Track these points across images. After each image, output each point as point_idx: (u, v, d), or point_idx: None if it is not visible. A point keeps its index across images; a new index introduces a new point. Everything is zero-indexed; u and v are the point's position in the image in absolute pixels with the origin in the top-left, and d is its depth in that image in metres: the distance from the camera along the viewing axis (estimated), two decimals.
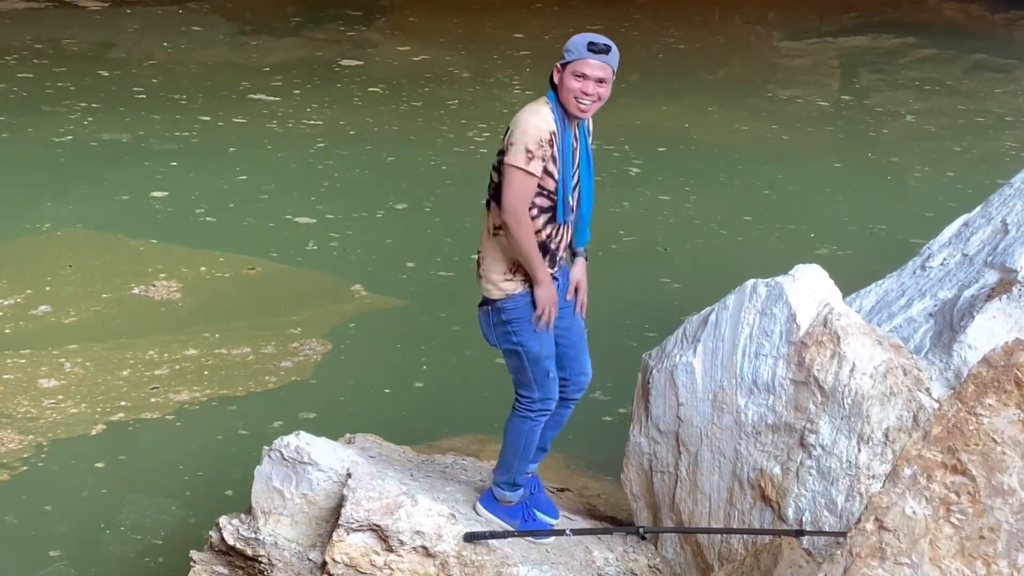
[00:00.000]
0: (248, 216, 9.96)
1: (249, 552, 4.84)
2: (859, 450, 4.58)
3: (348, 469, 4.82)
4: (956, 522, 3.21)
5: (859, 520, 3.32)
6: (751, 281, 4.91)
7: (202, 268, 8.88)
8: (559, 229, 4.54)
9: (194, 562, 4.98)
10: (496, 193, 4.46)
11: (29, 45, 15.23)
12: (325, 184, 10.77)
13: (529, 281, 4.52)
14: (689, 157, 11.91)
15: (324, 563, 4.64)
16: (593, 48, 4.37)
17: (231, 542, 4.87)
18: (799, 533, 4.51)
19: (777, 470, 4.71)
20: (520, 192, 4.37)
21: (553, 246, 4.55)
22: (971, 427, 3.28)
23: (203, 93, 13.42)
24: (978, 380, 3.34)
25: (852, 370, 4.61)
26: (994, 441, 3.25)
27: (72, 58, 14.85)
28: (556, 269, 4.61)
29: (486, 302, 4.59)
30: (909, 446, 3.34)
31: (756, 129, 13.00)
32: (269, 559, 4.80)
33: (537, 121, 4.38)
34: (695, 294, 7.82)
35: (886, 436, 4.56)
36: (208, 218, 9.92)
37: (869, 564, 3.22)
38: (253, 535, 4.84)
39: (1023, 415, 3.27)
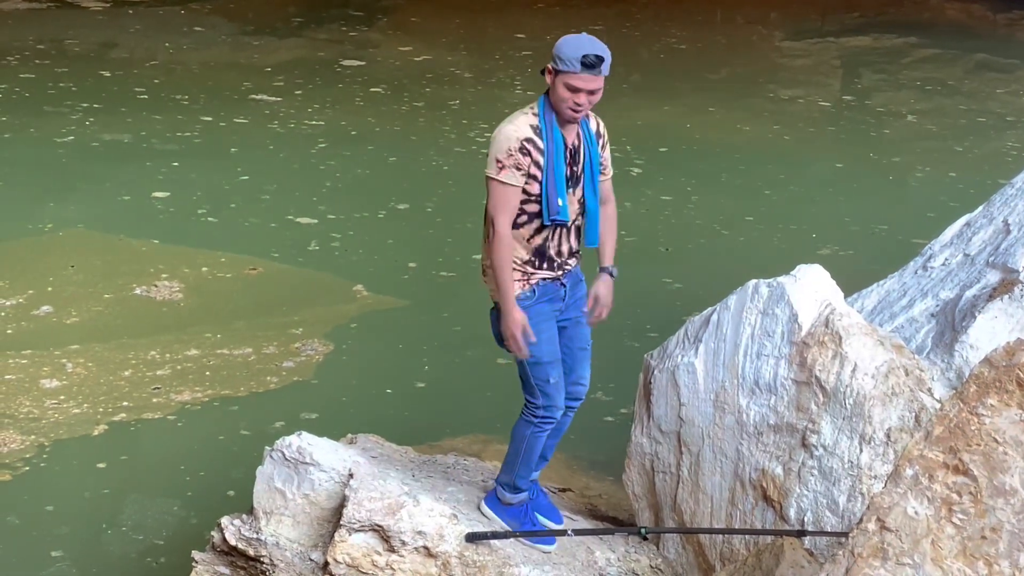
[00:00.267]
0: (250, 216, 9.96)
1: (251, 552, 4.84)
2: (861, 450, 4.58)
3: (350, 469, 4.82)
4: (958, 522, 3.21)
5: (861, 520, 3.32)
6: (753, 281, 4.91)
7: (204, 268, 8.88)
8: (555, 233, 4.53)
9: (196, 562, 4.98)
10: None
11: (31, 45, 15.23)
12: (327, 184, 10.77)
13: (526, 281, 4.52)
14: (691, 157, 11.91)
15: (326, 563, 4.64)
16: (586, 62, 4.33)
17: (233, 542, 4.87)
18: (801, 533, 4.51)
19: (779, 470, 4.71)
20: (495, 201, 4.42)
21: (552, 251, 4.55)
22: (973, 427, 3.28)
23: (205, 93, 13.43)
24: (980, 380, 3.34)
25: (854, 370, 4.61)
26: (996, 441, 3.25)
27: (74, 58, 14.85)
28: (562, 274, 4.60)
29: (494, 305, 4.60)
30: (911, 446, 3.34)
31: (758, 129, 12.99)
32: (271, 559, 4.80)
33: (508, 130, 4.42)
34: (697, 294, 7.82)
35: (888, 436, 4.56)
36: (210, 218, 9.92)
37: (871, 564, 3.22)
38: (255, 535, 4.85)
39: None
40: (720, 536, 4.89)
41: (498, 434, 6.37)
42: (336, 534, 4.65)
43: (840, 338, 4.65)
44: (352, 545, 4.62)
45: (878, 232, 9.99)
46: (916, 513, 3.24)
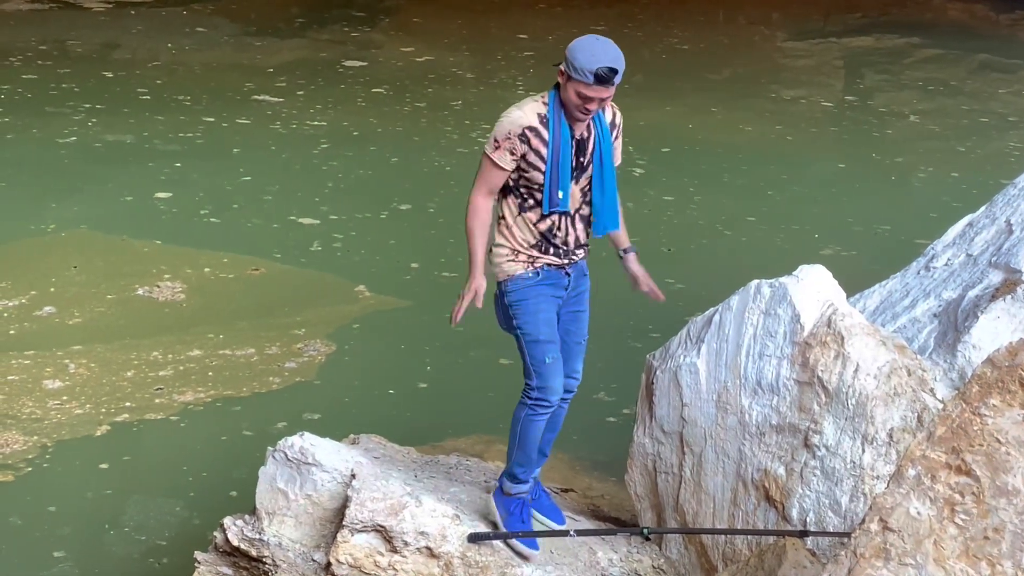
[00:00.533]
0: (252, 217, 9.97)
1: (253, 553, 4.84)
2: (863, 451, 4.57)
3: (352, 470, 4.82)
4: (960, 523, 3.21)
5: (863, 521, 3.32)
6: (755, 282, 4.91)
7: (206, 269, 8.88)
8: (561, 220, 4.56)
9: (198, 563, 4.98)
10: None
11: (33, 46, 15.24)
12: (329, 185, 10.77)
13: (531, 263, 4.57)
14: (693, 157, 11.90)
15: (328, 564, 4.64)
16: (599, 76, 4.33)
17: (235, 543, 4.87)
18: (803, 534, 4.51)
19: (781, 471, 4.71)
20: (480, 175, 4.55)
21: (558, 240, 4.60)
22: (975, 428, 3.28)
23: (207, 94, 13.43)
24: (982, 380, 3.34)
25: (856, 371, 4.60)
26: (998, 441, 3.24)
27: (76, 59, 14.86)
28: (567, 263, 4.64)
29: (497, 285, 4.65)
30: (913, 447, 3.34)
31: (760, 129, 12.99)
32: (273, 560, 4.80)
33: (515, 115, 4.49)
34: (699, 295, 7.82)
35: (890, 437, 4.56)
36: (212, 219, 9.93)
37: (873, 565, 3.22)
38: (257, 536, 4.85)
39: None
40: (722, 536, 4.89)
41: (501, 434, 6.35)
42: (339, 535, 4.65)
43: (842, 338, 4.65)
44: (355, 545, 4.63)
45: (880, 232, 9.99)
46: (918, 513, 3.24)
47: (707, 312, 5.02)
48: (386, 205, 10.30)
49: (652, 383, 5.05)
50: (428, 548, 4.62)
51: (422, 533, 4.62)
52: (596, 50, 4.38)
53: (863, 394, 4.58)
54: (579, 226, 4.64)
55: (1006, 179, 8.86)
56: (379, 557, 4.62)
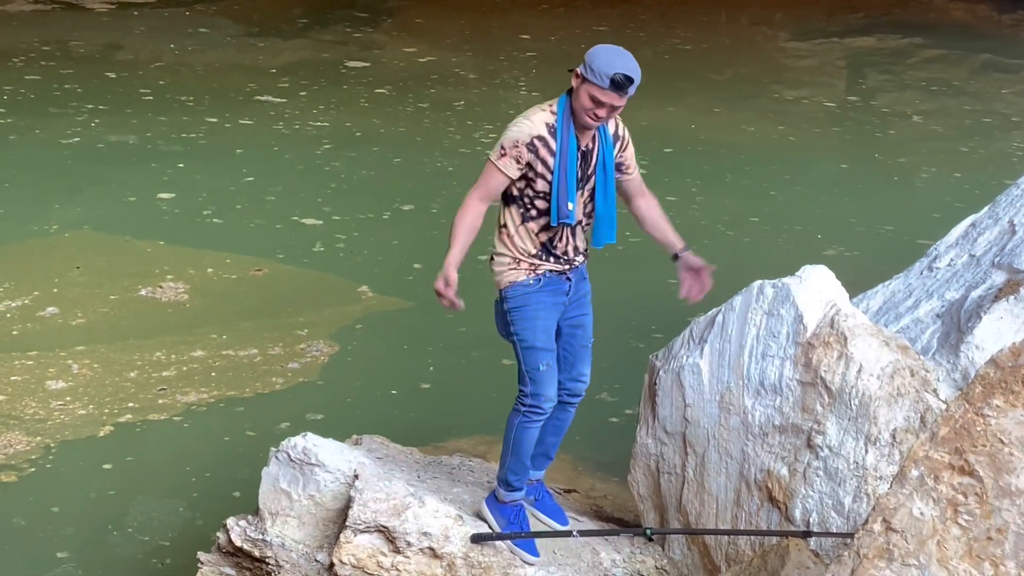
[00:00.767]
0: (255, 217, 9.97)
1: (256, 553, 4.85)
2: (866, 451, 4.57)
3: (355, 470, 4.83)
4: (964, 523, 3.20)
5: (866, 521, 3.32)
6: (758, 282, 4.91)
7: (209, 269, 8.89)
8: (562, 231, 4.57)
9: (201, 563, 4.99)
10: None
11: (36, 47, 15.26)
12: (332, 185, 10.78)
13: (532, 271, 4.57)
14: (695, 158, 11.90)
15: (331, 564, 4.65)
16: (615, 81, 4.36)
17: (238, 543, 4.87)
18: (806, 534, 4.51)
19: (784, 471, 4.71)
20: (482, 179, 4.54)
21: (559, 249, 4.60)
22: (978, 428, 3.28)
23: (210, 95, 13.44)
24: (985, 381, 3.34)
25: (859, 371, 4.60)
26: (1001, 442, 3.24)
27: (79, 60, 14.87)
28: (568, 268, 4.64)
29: (499, 296, 4.66)
30: (916, 447, 3.34)
31: (763, 130, 12.99)
32: (276, 560, 4.81)
33: (524, 125, 4.49)
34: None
35: (893, 437, 4.56)
36: (215, 219, 9.93)
37: (876, 565, 3.22)
38: (260, 536, 4.85)
39: None
40: (725, 537, 4.89)
41: (503, 435, 6.37)
42: (341, 535, 4.65)
43: (845, 339, 4.65)
44: (357, 546, 4.63)
45: (883, 233, 9.98)
46: (922, 514, 3.24)
47: (710, 312, 5.02)
48: (389, 205, 10.31)
49: (655, 384, 5.05)
50: (431, 549, 4.62)
51: (425, 534, 4.62)
52: (616, 57, 4.41)
53: (866, 395, 4.58)
54: (578, 234, 4.66)
55: (1009, 179, 8.86)
56: (382, 557, 4.62)
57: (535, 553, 4.72)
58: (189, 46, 15.86)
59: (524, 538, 4.74)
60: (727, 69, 16.07)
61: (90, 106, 12.75)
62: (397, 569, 4.61)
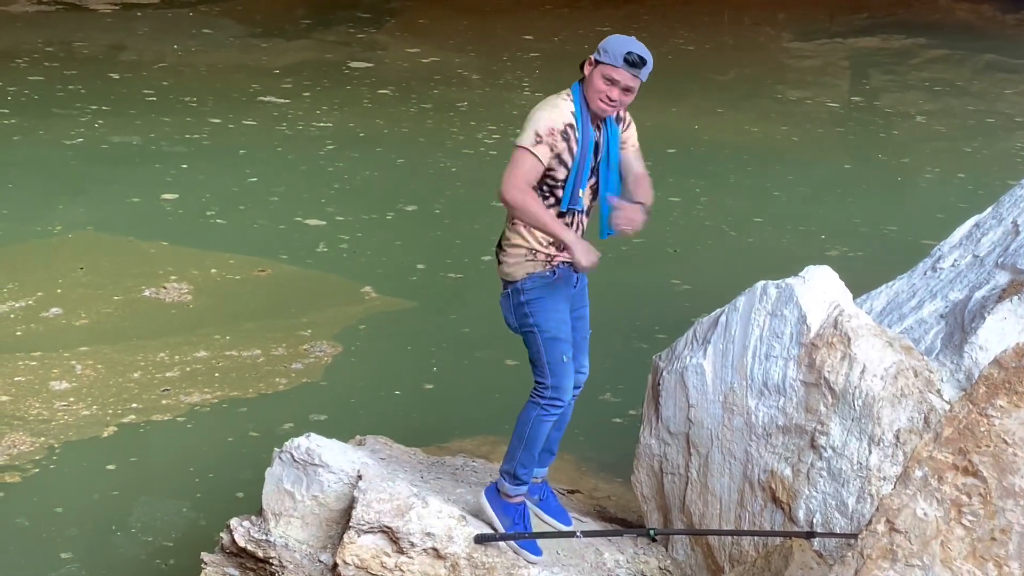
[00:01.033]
0: (258, 218, 9.98)
1: (260, 554, 4.85)
2: (870, 452, 4.57)
3: (358, 471, 4.83)
4: (967, 524, 3.20)
5: (870, 522, 3.32)
6: (761, 282, 4.91)
7: (212, 270, 8.89)
8: (574, 218, 4.58)
9: (205, 564, 4.99)
10: None
11: (40, 48, 15.28)
12: (335, 186, 10.78)
13: (548, 263, 4.55)
14: (699, 158, 11.91)
15: (335, 565, 4.65)
16: (629, 59, 4.42)
17: (242, 544, 4.88)
18: (810, 535, 4.51)
19: (788, 472, 4.71)
20: (524, 172, 4.42)
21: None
22: (982, 428, 3.28)
23: (213, 95, 13.46)
24: (989, 381, 3.34)
25: (863, 372, 4.60)
26: (1005, 442, 3.24)
27: (83, 61, 14.89)
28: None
29: (507, 285, 4.62)
30: (920, 448, 3.34)
31: (766, 130, 12.99)
32: (280, 561, 4.81)
33: (553, 113, 4.46)
34: (705, 296, 7.81)
35: (897, 438, 4.56)
36: (218, 220, 9.94)
37: (880, 566, 3.22)
38: (264, 537, 4.85)
39: None
40: (729, 537, 4.89)
41: (507, 435, 6.32)
42: (345, 535, 4.65)
43: (849, 339, 4.65)
44: (361, 546, 4.63)
45: (887, 233, 9.98)
46: (925, 514, 3.24)
47: (713, 313, 5.02)
48: (392, 206, 10.31)
49: (658, 384, 5.05)
50: (434, 549, 4.62)
51: (428, 534, 4.62)
52: (629, 41, 4.48)
53: (870, 395, 4.58)
54: (586, 223, 4.67)
55: (1013, 180, 8.86)
56: (385, 558, 4.62)
57: (538, 553, 4.72)
58: (192, 47, 15.88)
59: (528, 538, 4.74)
60: (730, 70, 16.07)
61: (94, 107, 12.77)
62: (401, 570, 4.61)
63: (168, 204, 10.19)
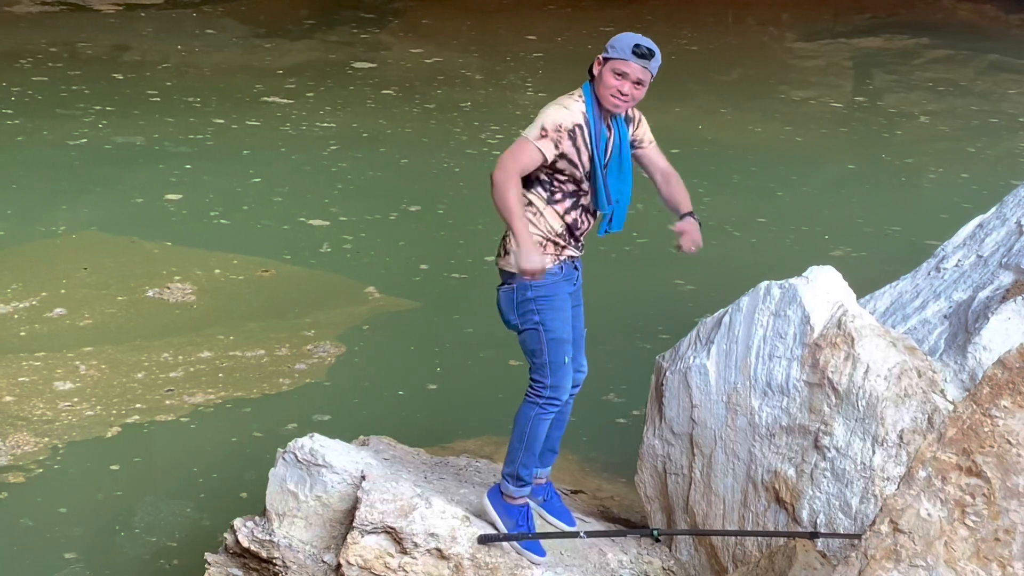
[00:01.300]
0: (262, 218, 9.98)
1: (264, 554, 4.85)
2: (873, 452, 4.57)
3: (362, 471, 4.83)
4: (971, 524, 3.20)
5: (874, 522, 3.32)
6: (765, 283, 4.91)
7: (216, 270, 8.90)
8: (584, 213, 4.59)
9: (209, 564, 4.99)
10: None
11: (44, 48, 15.28)
12: (339, 186, 10.79)
13: (557, 257, 4.55)
14: (702, 158, 11.90)
15: (338, 565, 4.65)
16: (637, 51, 4.45)
17: (246, 544, 4.88)
18: (813, 535, 4.51)
19: (791, 472, 4.71)
20: (519, 158, 4.43)
21: (579, 232, 4.62)
22: (986, 429, 3.27)
23: (217, 96, 13.46)
24: (993, 382, 3.34)
25: (866, 372, 4.60)
26: (1009, 443, 3.24)
27: (86, 61, 14.90)
28: (579, 255, 4.66)
29: (508, 281, 4.60)
30: (924, 448, 3.34)
31: (770, 130, 12.98)
32: (284, 561, 4.81)
33: (563, 112, 4.49)
34: (709, 296, 7.82)
35: (900, 438, 4.56)
36: (222, 220, 9.95)
37: (884, 566, 3.22)
38: (268, 537, 4.86)
39: None
40: (732, 538, 4.89)
41: (512, 431, 6.38)
42: (348, 536, 4.65)
43: (853, 339, 4.65)
44: (364, 547, 4.63)
45: (891, 233, 9.97)
46: (929, 515, 3.24)
47: (717, 313, 5.02)
48: (395, 206, 10.31)
49: (662, 384, 5.05)
50: (438, 549, 4.62)
51: (432, 534, 4.63)
52: (636, 35, 4.53)
53: (873, 395, 4.58)
54: (593, 218, 4.68)
55: (1016, 180, 8.85)
56: (389, 558, 4.62)
57: (541, 553, 4.72)
58: (196, 47, 15.89)
59: (531, 539, 4.74)
60: (734, 70, 16.07)
61: (97, 107, 12.77)
62: (404, 570, 4.61)
63: (172, 204, 10.19)
